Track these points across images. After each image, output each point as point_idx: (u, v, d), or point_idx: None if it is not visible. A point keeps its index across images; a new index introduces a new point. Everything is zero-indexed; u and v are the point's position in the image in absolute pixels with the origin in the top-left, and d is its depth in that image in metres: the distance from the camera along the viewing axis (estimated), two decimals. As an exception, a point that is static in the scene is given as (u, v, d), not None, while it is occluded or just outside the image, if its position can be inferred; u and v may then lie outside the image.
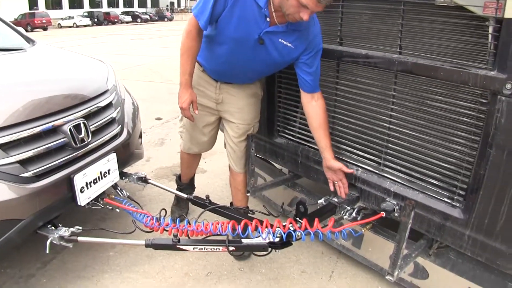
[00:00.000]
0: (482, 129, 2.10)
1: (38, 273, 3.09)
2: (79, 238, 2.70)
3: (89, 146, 2.94)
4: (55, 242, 2.68)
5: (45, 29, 42.31)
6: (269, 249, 2.59)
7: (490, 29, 1.96)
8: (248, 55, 2.68)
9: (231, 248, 2.58)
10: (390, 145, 2.61)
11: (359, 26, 2.68)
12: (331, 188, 2.92)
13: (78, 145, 2.82)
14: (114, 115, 3.29)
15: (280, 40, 2.61)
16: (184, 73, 2.81)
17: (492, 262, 2.22)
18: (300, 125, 3.22)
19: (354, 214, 2.74)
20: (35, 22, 41.67)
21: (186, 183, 3.76)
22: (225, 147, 3.30)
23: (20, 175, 2.49)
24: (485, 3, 1.91)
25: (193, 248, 2.62)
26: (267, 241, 2.55)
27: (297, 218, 2.59)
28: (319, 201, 2.90)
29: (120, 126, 3.33)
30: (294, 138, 3.26)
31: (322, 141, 2.80)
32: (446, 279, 2.58)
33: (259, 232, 2.57)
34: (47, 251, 2.66)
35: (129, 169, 3.70)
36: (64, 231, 2.70)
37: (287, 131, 3.32)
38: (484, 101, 2.07)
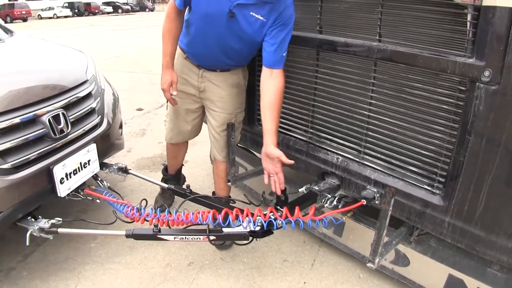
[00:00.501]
0: (461, 116, 2.11)
1: (18, 266, 3.06)
2: (59, 230, 2.69)
3: (69, 136, 2.91)
4: (35, 234, 2.67)
5: (25, 20, 41.70)
6: (250, 238, 2.60)
7: (469, 17, 1.96)
8: (221, 31, 2.65)
9: (212, 238, 2.59)
10: (370, 133, 2.62)
11: (338, 14, 2.67)
12: (266, 181, 2.78)
13: (57, 136, 2.80)
14: (93, 105, 3.26)
15: (251, 13, 2.56)
16: (165, 55, 2.85)
17: (471, 248, 2.24)
18: (281, 113, 3.18)
19: (335, 202, 2.74)
20: (15, 13, 40.98)
21: (171, 175, 3.72)
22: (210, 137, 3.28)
23: None
24: (464, -10, 1.93)
25: (174, 238, 2.62)
26: (248, 230, 2.56)
27: (278, 207, 2.60)
28: (300, 190, 2.90)
29: (100, 116, 3.30)
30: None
31: (267, 123, 2.68)
32: (427, 266, 2.60)
33: (240, 221, 2.57)
34: (27, 243, 2.64)
35: (110, 160, 3.68)
36: (44, 223, 2.68)
37: (267, 119, 3.28)
38: (463, 88, 2.08)
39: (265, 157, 2.73)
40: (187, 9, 2.77)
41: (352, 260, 3.09)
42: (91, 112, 3.23)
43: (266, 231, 2.57)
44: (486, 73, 1.90)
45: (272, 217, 2.52)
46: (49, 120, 2.74)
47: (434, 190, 2.33)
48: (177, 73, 2.94)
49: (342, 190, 2.84)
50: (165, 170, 3.77)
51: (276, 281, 2.94)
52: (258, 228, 2.55)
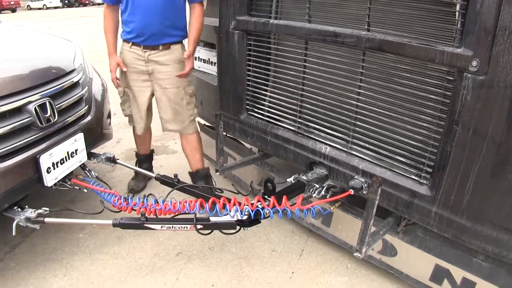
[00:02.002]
0: (448, 106, 2.11)
1: (6, 257, 3.07)
2: (46, 219, 2.69)
3: (56, 125, 2.91)
4: (21, 224, 2.67)
5: (13, 11, 41.39)
6: (238, 227, 2.60)
7: (458, 7, 1.97)
8: None
9: (199, 226, 2.58)
10: (358, 122, 2.62)
11: (327, 3, 2.66)
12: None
13: (44, 125, 2.79)
14: (81, 94, 3.25)
15: None
16: (109, 45, 3.42)
17: (457, 238, 2.26)
18: (269, 103, 3.21)
19: (323, 192, 2.75)
20: (3, 3, 40.57)
21: (144, 155, 4.06)
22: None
23: None
24: (452, -20, 1.93)
25: (161, 227, 2.62)
26: (235, 219, 2.55)
27: (265, 196, 2.59)
28: (288, 180, 2.89)
29: (87, 106, 3.30)
30: (264, 116, 3.24)
31: (191, 35, 3.36)
32: (414, 256, 2.62)
33: (227, 210, 2.57)
34: (14, 233, 2.64)
35: (99, 150, 3.67)
36: (31, 213, 2.68)
37: (256, 109, 3.30)
38: (450, 78, 2.08)
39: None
40: (121, 5, 3.31)
41: (340, 250, 3.10)
42: (78, 101, 3.22)
43: (254, 220, 2.57)
44: (474, 63, 1.89)
45: (260, 206, 2.52)
46: (35, 108, 2.73)
47: (421, 180, 2.33)
48: (126, 64, 3.41)
49: (330, 180, 2.84)
50: (137, 154, 4.09)
51: (264, 271, 2.95)
52: (245, 217, 2.55)
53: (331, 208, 2.80)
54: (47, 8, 46.11)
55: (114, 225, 2.62)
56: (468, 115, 1.99)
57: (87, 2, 51.64)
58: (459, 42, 1.99)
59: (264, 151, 3.42)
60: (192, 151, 3.69)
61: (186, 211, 2.60)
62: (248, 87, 3.28)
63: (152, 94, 3.54)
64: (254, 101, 3.31)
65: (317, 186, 2.78)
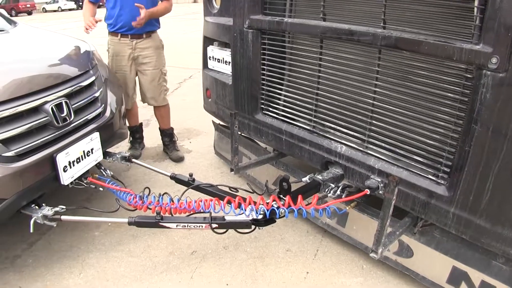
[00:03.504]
0: (467, 105, 2.09)
1: (24, 254, 3.10)
2: (63, 217, 2.71)
3: (72, 125, 2.94)
4: (39, 222, 2.69)
5: (29, 13, 41.82)
6: (253, 226, 2.60)
7: (476, 2, 1.93)
8: None
9: (214, 226, 2.59)
10: (374, 121, 2.60)
11: (342, 1, 2.65)
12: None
13: (60, 124, 2.83)
14: (96, 94, 3.29)
15: None
16: (86, 17, 4.13)
17: (476, 239, 2.23)
18: (284, 102, 3.20)
19: (338, 192, 2.75)
20: (20, 6, 41.12)
21: (135, 125, 4.78)
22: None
23: (2, 155, 2.49)
24: (470, -24, 1.90)
25: (176, 226, 2.63)
26: (250, 218, 2.55)
27: (281, 196, 2.59)
28: (303, 179, 2.88)
29: (103, 105, 3.33)
30: (279, 116, 3.24)
31: (152, 10, 4.12)
32: (431, 258, 2.59)
33: (242, 209, 2.56)
34: (31, 230, 2.66)
35: (114, 149, 3.69)
36: (48, 210, 2.71)
37: (271, 108, 3.31)
38: (469, 76, 2.06)
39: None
40: (106, 3, 4.18)
41: (355, 251, 3.07)
42: (94, 101, 3.26)
43: (269, 219, 2.57)
44: (494, 60, 1.86)
45: (275, 205, 2.52)
46: (52, 108, 2.77)
47: (439, 180, 2.31)
48: (115, 55, 4.25)
49: (345, 180, 2.82)
50: (129, 126, 4.63)
51: (279, 271, 2.94)
52: (260, 217, 2.55)
53: (347, 208, 2.79)
54: (62, 10, 46.49)
55: (130, 223, 2.64)
56: (488, 114, 1.95)
57: (101, 3, 51.77)
58: (477, 39, 1.96)
59: (279, 150, 3.41)
60: (162, 117, 4.73)
61: (201, 210, 2.60)
62: (262, 86, 3.29)
63: (136, 75, 4.41)
64: (269, 100, 3.32)
65: (333, 185, 2.78)
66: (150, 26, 4.24)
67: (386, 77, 2.47)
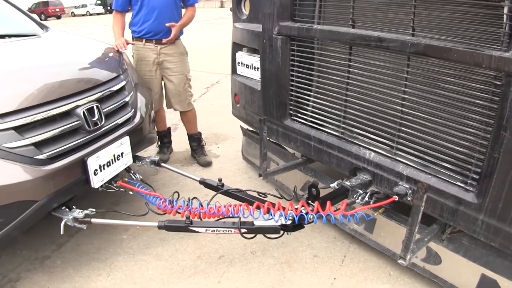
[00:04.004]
0: (496, 111, 2.08)
1: (53, 255, 3.15)
2: (93, 220, 2.77)
3: (102, 129, 3.00)
4: (69, 224, 2.75)
5: (58, 17, 42.63)
6: (281, 232, 2.62)
7: (505, 9, 1.94)
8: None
9: (243, 230, 2.62)
10: (403, 128, 2.61)
11: (371, 9, 2.67)
12: None
13: (92, 128, 2.88)
14: (127, 99, 3.34)
15: None
16: (116, 35, 4.23)
17: (505, 247, 2.21)
18: (313, 108, 3.23)
19: (366, 198, 2.76)
20: (49, 10, 42.00)
21: (163, 130, 4.88)
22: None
23: (34, 157, 2.54)
24: (501, -18, 1.91)
25: (205, 230, 2.66)
26: (279, 223, 2.57)
27: (309, 201, 2.60)
28: (331, 185, 2.91)
29: (133, 110, 3.38)
30: (307, 121, 3.26)
31: (180, 21, 4.32)
32: (459, 265, 2.57)
33: (271, 214, 2.59)
34: (61, 232, 2.72)
35: (143, 153, 3.74)
36: (78, 213, 2.76)
37: (299, 114, 3.33)
38: (498, 83, 2.06)
39: None
40: (132, 10, 4.30)
41: (382, 257, 3.08)
42: (124, 106, 3.31)
43: (297, 225, 2.59)
44: (524, 67, 1.86)
45: (304, 211, 2.54)
46: (83, 112, 2.83)
47: (467, 187, 2.30)
48: (140, 60, 4.35)
49: (374, 186, 2.83)
50: (157, 131, 4.69)
51: (306, 276, 2.95)
52: (289, 222, 2.57)
53: (375, 214, 2.79)
54: (90, 14, 47.37)
55: (159, 227, 2.68)
56: (517, 121, 1.95)
57: (129, 8, 52.38)
58: (507, 46, 1.96)
59: (307, 156, 3.44)
60: (188, 122, 4.80)
61: (230, 215, 2.63)
62: (291, 92, 3.31)
63: (162, 80, 4.49)
64: (298, 106, 3.34)
65: (361, 191, 2.78)
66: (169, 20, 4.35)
67: (415, 83, 2.47)
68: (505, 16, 1.96)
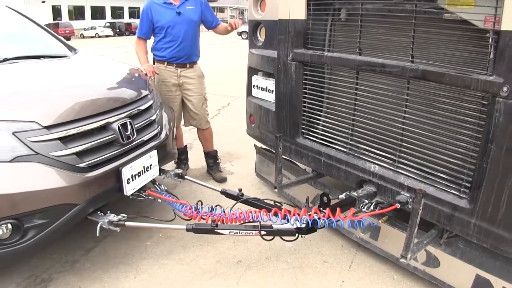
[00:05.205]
0: (484, 127, 2.36)
1: (82, 259, 3.36)
2: (127, 223, 3.01)
3: (134, 142, 3.24)
4: (104, 226, 2.98)
5: (68, 39, 42.38)
6: (296, 234, 2.88)
7: (490, 40, 2.26)
8: (181, 25, 4.43)
9: (263, 232, 2.88)
10: (404, 143, 2.87)
11: (376, 38, 2.98)
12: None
13: (125, 141, 3.13)
14: (154, 117, 3.59)
15: (187, 7, 4.45)
16: (141, 60, 4.48)
17: (495, 248, 2.43)
18: (323, 127, 3.48)
19: (372, 208, 2.97)
20: (59, 32, 41.75)
21: (180, 148, 5.05)
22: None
23: (76, 165, 2.79)
24: (486, 17, 2.23)
25: (229, 232, 2.91)
26: (295, 226, 2.84)
27: (321, 208, 2.87)
28: (340, 196, 3.14)
29: (159, 127, 3.63)
30: (318, 139, 3.50)
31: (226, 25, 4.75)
32: (456, 267, 2.78)
33: (287, 220, 2.86)
34: (98, 234, 2.95)
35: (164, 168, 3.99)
36: (113, 217, 3.01)
37: (311, 133, 3.57)
38: (485, 102, 2.35)
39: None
40: (155, 36, 4.55)
41: (387, 263, 3.28)
42: (152, 123, 3.56)
43: (310, 228, 2.85)
44: (505, 89, 2.16)
45: (316, 216, 2.79)
46: (118, 127, 3.08)
47: (461, 194, 2.56)
48: (161, 81, 4.58)
49: (378, 197, 3.06)
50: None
51: (317, 279, 3.16)
52: (303, 226, 2.83)
53: (379, 221, 3.03)
54: (99, 36, 47.55)
55: (188, 229, 2.93)
56: (501, 135, 2.24)
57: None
58: (491, 71, 2.25)
59: (318, 170, 3.66)
60: (205, 140, 5.06)
61: (251, 220, 2.89)
62: (303, 113, 3.56)
63: (182, 101, 4.74)
64: (309, 125, 3.58)
65: (366, 201, 3.00)
66: (194, 57, 4.65)
67: (414, 104, 2.76)
68: (489, 46, 2.27)
